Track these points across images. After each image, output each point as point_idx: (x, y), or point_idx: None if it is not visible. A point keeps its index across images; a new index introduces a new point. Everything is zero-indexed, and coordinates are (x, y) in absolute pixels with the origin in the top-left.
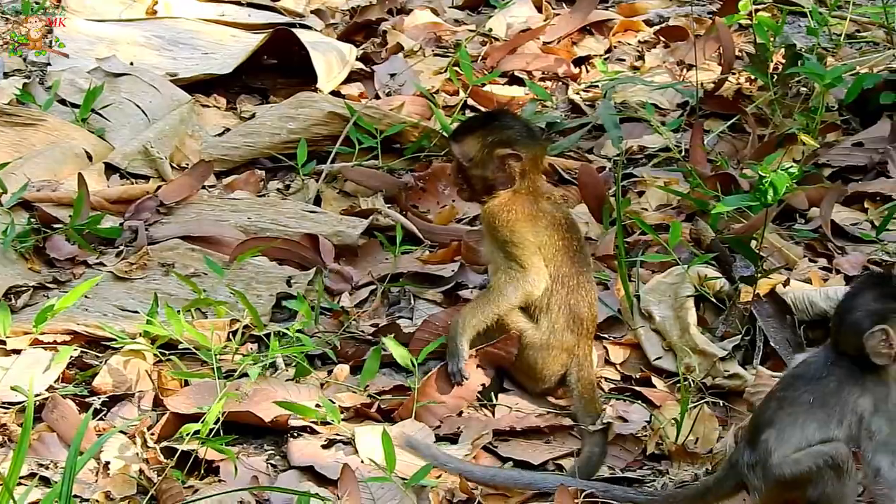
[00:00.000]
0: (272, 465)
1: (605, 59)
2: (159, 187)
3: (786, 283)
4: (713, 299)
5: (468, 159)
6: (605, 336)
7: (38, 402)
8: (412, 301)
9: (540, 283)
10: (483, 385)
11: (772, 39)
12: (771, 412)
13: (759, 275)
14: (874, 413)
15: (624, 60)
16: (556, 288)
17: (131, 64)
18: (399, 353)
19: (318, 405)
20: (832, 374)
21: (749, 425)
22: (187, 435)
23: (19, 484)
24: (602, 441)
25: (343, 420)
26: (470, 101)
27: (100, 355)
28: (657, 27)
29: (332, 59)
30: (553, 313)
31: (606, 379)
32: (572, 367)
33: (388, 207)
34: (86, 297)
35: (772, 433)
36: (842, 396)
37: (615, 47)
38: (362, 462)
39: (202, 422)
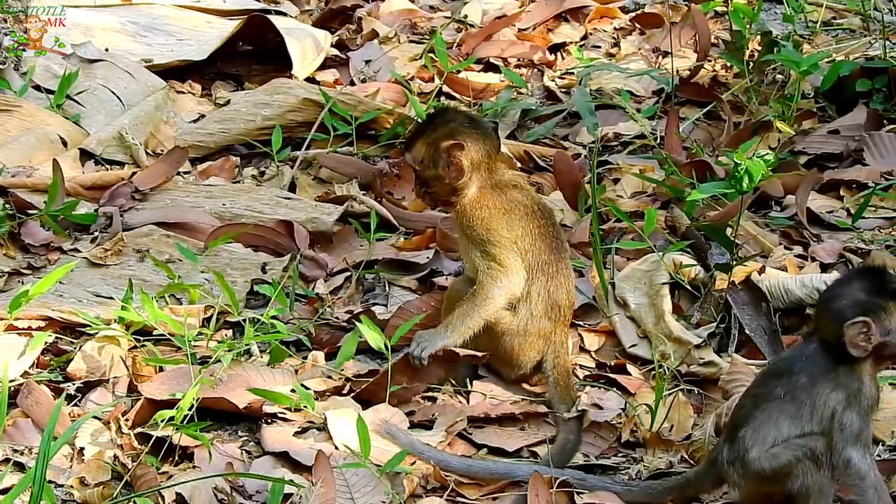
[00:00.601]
0: (246, 451)
1: (581, 46)
2: (134, 173)
3: (761, 271)
4: (688, 287)
5: (419, 163)
6: (580, 323)
7: (12, 388)
8: (387, 288)
9: (521, 281)
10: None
11: (748, 27)
12: (747, 409)
13: (735, 262)
14: (847, 407)
15: (599, 47)
16: (536, 276)
17: (106, 50)
18: (373, 337)
19: (292, 391)
20: (805, 369)
21: (728, 422)
22: (162, 421)
23: None
24: (577, 428)
25: (317, 406)
26: (445, 88)
27: (74, 341)
28: (633, 14)
29: (307, 46)
30: (532, 301)
31: (581, 366)
32: (548, 354)
33: (363, 194)
34: (60, 283)
35: (748, 430)
36: (813, 392)
37: (591, 34)
38: (337, 448)
39: (176, 408)
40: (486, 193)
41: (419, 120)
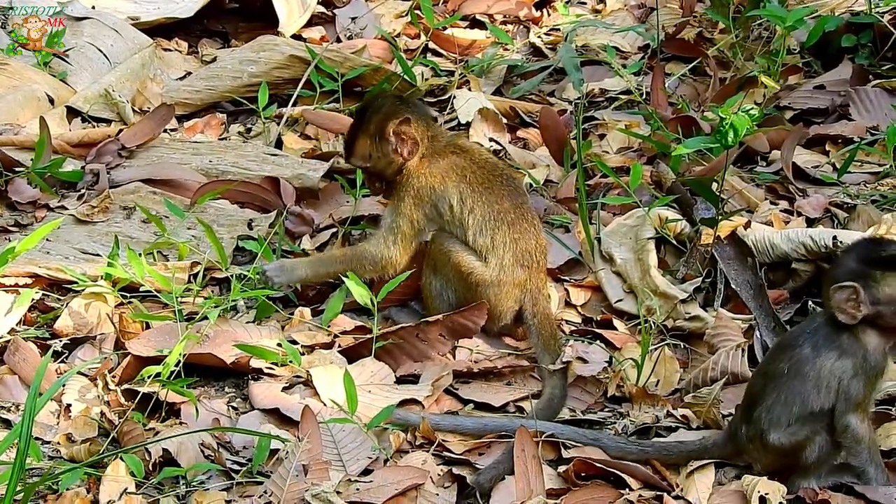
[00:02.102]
0: (233, 407)
1: (567, 3)
2: (121, 131)
3: (747, 226)
4: (674, 241)
5: (368, 159)
6: (566, 278)
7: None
8: None
9: (398, 260)
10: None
11: None
12: (759, 388)
13: (720, 217)
14: (853, 376)
15: (585, 3)
16: (496, 225)
17: (93, 8)
18: (359, 292)
19: (278, 345)
20: (809, 340)
21: (744, 398)
22: (148, 377)
23: None
24: (562, 382)
25: (304, 361)
26: (431, 45)
27: (61, 298)
28: None
29: (293, 3)
30: (499, 250)
31: (567, 321)
32: (527, 302)
33: None
34: (47, 240)
35: (762, 410)
36: (816, 363)
37: None
38: (325, 405)
39: (163, 364)
40: (424, 163)
41: (350, 126)
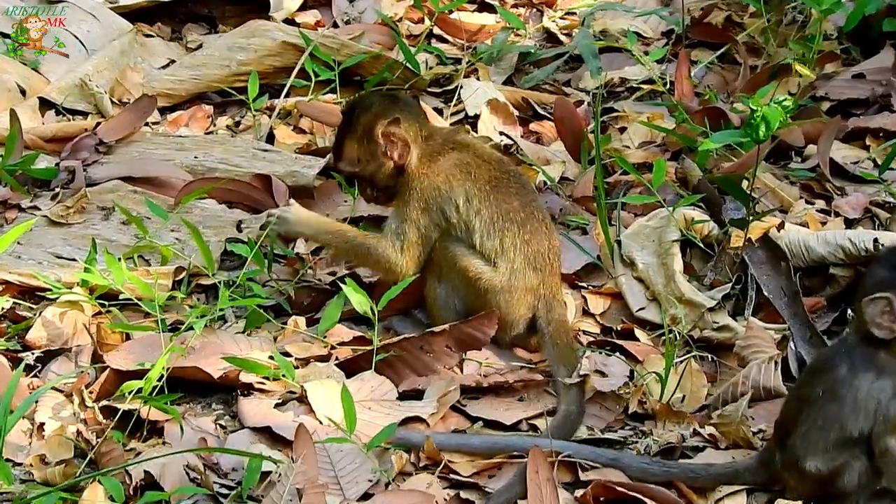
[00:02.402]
0: (221, 425)
1: None
2: (98, 124)
3: (780, 227)
4: (701, 244)
5: (356, 163)
6: (584, 285)
7: None
8: None
9: (402, 270)
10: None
11: None
12: (793, 412)
13: (751, 218)
14: (893, 396)
15: None
16: (505, 226)
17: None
18: (358, 300)
19: (270, 358)
20: (845, 359)
21: (777, 423)
22: (129, 393)
23: None
24: (579, 398)
25: (298, 374)
26: (436, 30)
27: (34, 306)
28: None
29: None
30: (508, 253)
31: (585, 332)
32: (540, 309)
33: None
34: (18, 243)
35: (797, 437)
36: (853, 384)
37: None
38: (321, 423)
39: (145, 379)
40: (425, 163)
41: (337, 129)
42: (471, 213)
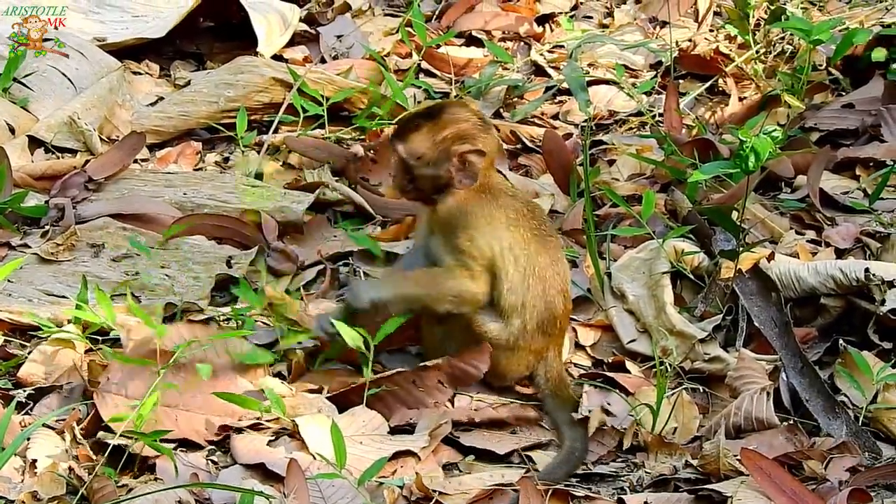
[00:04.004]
0: (212, 461)
1: (571, 17)
2: (87, 162)
3: (770, 258)
4: (691, 276)
5: (416, 157)
6: (575, 317)
7: None
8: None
9: (479, 295)
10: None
11: None
12: None
13: (742, 248)
14: None
15: (591, 18)
16: (531, 283)
17: (56, 28)
18: (351, 336)
19: (261, 391)
20: None
21: None
22: (119, 429)
23: None
24: (583, 434)
25: (288, 405)
26: (424, 65)
27: (25, 344)
28: None
29: (273, 21)
30: (528, 312)
31: (576, 364)
32: (539, 369)
33: (336, 180)
34: (9, 281)
35: None
36: None
37: (582, 4)
38: (315, 458)
39: (136, 415)
40: (475, 196)
41: (419, 109)
42: (508, 261)
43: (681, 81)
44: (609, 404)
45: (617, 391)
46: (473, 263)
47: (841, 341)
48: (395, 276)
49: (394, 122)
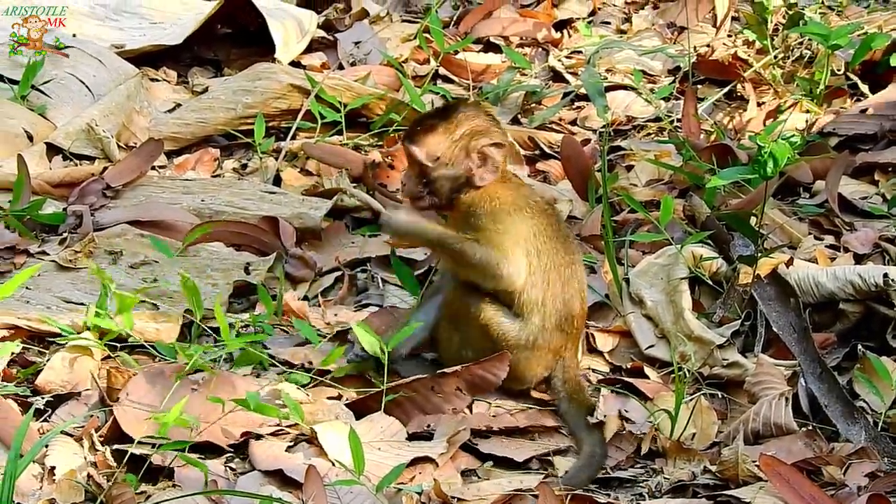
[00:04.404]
0: (230, 467)
1: (589, 23)
2: (105, 169)
3: (789, 263)
4: (709, 281)
5: (434, 159)
6: (592, 323)
7: None
8: (381, 287)
9: (516, 277)
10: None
11: None
12: None
13: (760, 254)
14: None
15: (609, 23)
16: (551, 279)
17: (74, 35)
18: (368, 341)
19: (279, 399)
20: None
21: None
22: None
23: None
24: (601, 438)
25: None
26: (442, 71)
27: (43, 351)
28: None
29: (290, 27)
30: (547, 310)
31: (594, 370)
32: (557, 370)
33: (354, 187)
34: (27, 288)
35: None
36: None
37: (599, 9)
38: (333, 465)
39: (159, 424)
40: (496, 186)
41: (428, 111)
42: (531, 253)
43: (699, 87)
44: (627, 411)
45: (635, 397)
46: (504, 241)
47: (860, 346)
48: (434, 224)
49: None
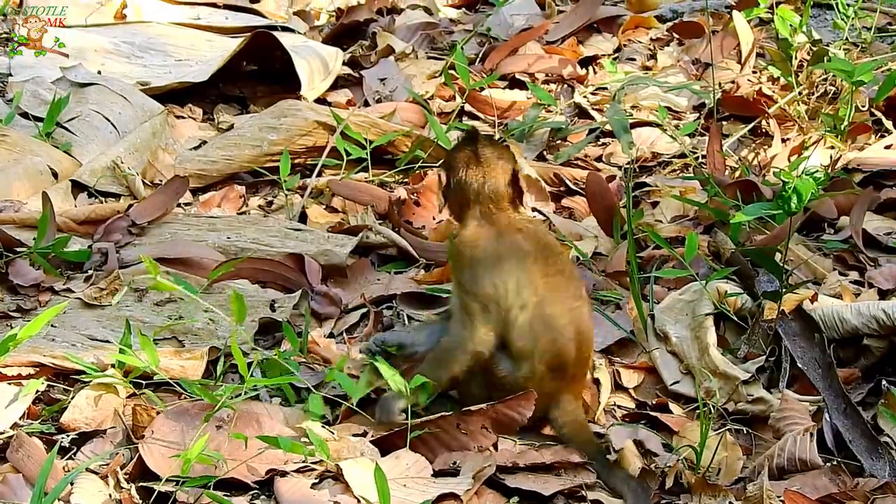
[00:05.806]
0: None
1: (615, 59)
2: (131, 206)
3: (813, 299)
4: (734, 317)
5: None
6: (618, 359)
7: (1, 441)
8: (407, 324)
9: (484, 344)
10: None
11: (795, 34)
12: None
13: (785, 290)
14: None
15: (634, 60)
16: (543, 331)
17: (99, 73)
18: (391, 376)
19: (304, 437)
20: None
21: None
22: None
23: None
24: (628, 475)
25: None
26: (467, 107)
27: (68, 389)
28: (670, 23)
29: (316, 64)
30: (536, 359)
31: (619, 406)
32: (553, 412)
33: (380, 223)
34: (52, 325)
35: None
36: None
37: (625, 46)
38: (359, 502)
39: (182, 461)
40: (484, 231)
41: (466, 141)
42: (515, 306)
43: (724, 123)
44: (644, 445)
45: (656, 432)
46: (473, 307)
47: (884, 382)
48: (414, 375)
49: (437, 165)
